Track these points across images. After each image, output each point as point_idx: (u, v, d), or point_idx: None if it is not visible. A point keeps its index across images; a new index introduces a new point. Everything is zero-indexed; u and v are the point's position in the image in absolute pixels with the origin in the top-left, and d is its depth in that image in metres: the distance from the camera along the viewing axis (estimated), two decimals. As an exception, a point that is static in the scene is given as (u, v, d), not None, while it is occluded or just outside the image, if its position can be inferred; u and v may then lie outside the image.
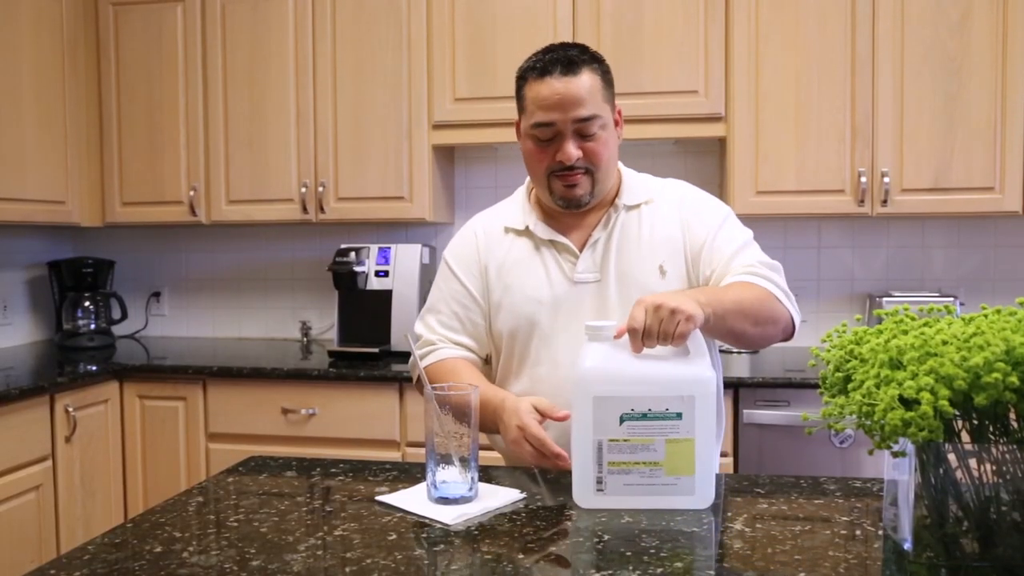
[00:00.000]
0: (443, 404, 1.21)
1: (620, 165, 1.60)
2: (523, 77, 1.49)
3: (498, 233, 1.59)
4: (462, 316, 1.58)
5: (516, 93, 1.52)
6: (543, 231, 1.54)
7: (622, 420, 1.20)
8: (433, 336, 1.59)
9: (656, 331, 1.20)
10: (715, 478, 1.25)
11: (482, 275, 1.58)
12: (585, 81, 1.43)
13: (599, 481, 1.21)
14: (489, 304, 1.58)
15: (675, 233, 1.52)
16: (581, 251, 1.52)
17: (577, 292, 1.51)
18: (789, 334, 1.46)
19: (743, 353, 2.77)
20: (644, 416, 1.20)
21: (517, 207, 1.61)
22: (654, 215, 1.54)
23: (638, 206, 1.55)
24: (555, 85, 1.43)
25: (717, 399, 1.56)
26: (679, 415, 1.19)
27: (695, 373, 1.21)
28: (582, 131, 1.44)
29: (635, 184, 1.58)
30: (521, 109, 1.51)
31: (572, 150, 1.44)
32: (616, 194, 1.56)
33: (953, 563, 0.98)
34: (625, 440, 1.20)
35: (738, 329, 1.36)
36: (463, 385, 1.28)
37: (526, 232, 1.56)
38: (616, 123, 1.52)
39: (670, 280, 1.50)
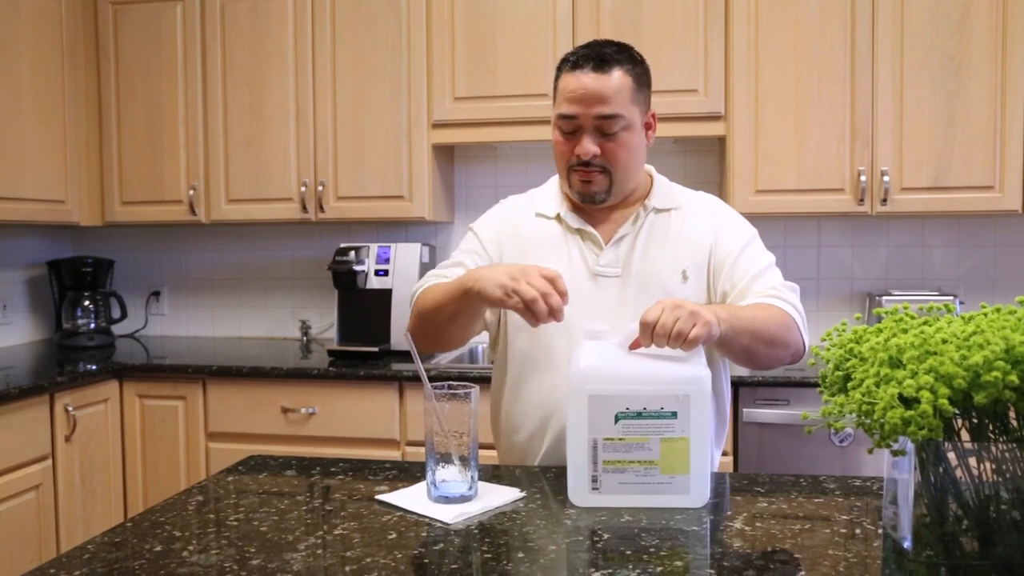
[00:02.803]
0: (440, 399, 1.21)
1: (653, 171, 1.61)
2: (560, 67, 1.51)
3: (529, 216, 1.60)
4: (470, 264, 1.56)
5: (554, 82, 1.53)
6: (573, 220, 1.55)
7: (617, 419, 1.20)
8: (436, 273, 1.57)
9: (670, 328, 1.18)
10: (712, 477, 1.25)
11: (497, 244, 1.58)
12: (614, 80, 1.44)
13: (594, 480, 1.21)
14: None
15: (704, 240, 1.53)
16: (606, 245, 1.53)
17: (596, 285, 1.51)
18: (798, 358, 1.47)
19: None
20: (639, 415, 1.20)
21: (550, 195, 1.61)
22: (683, 221, 1.55)
23: (668, 210, 1.56)
24: (583, 79, 1.44)
25: (723, 399, 1.57)
26: (674, 414, 1.19)
27: (690, 372, 1.21)
28: (603, 129, 1.45)
29: (667, 189, 1.59)
30: (554, 98, 1.52)
31: (589, 146, 1.45)
32: (647, 195, 1.57)
33: (953, 562, 0.98)
34: (620, 439, 1.20)
35: (751, 349, 1.37)
36: (463, 384, 1.28)
37: (556, 219, 1.57)
38: (648, 126, 1.53)
39: (691, 285, 1.50)
